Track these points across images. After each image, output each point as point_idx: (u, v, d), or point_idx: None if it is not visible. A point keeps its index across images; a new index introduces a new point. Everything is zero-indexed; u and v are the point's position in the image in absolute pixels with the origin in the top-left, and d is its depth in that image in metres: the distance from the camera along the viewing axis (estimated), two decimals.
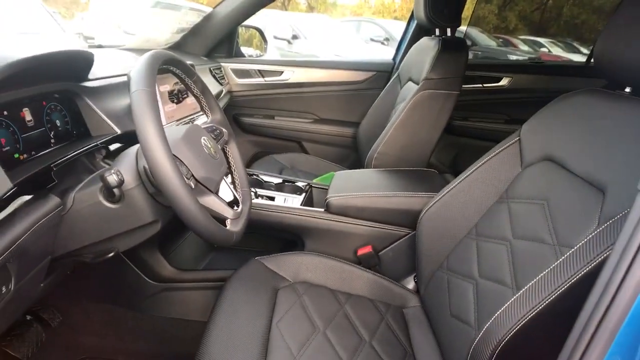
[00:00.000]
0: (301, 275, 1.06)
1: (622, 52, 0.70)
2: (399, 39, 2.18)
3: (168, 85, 1.22)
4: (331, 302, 1.00)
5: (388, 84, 1.82)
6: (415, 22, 1.98)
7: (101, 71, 1.01)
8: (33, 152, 0.76)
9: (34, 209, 0.66)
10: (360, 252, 1.20)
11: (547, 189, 0.78)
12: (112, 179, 0.69)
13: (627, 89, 0.75)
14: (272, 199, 1.35)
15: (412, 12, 1.99)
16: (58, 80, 0.85)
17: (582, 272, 0.60)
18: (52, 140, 0.81)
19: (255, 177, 1.44)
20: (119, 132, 0.90)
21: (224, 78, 2.00)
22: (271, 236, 1.44)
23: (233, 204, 0.89)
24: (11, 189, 0.60)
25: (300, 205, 1.31)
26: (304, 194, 1.38)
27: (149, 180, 0.76)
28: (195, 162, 0.76)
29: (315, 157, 2.03)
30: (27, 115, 0.76)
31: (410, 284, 1.18)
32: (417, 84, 1.45)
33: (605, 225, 0.61)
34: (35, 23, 3.35)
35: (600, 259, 0.59)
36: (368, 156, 1.54)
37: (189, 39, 1.83)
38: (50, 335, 1.16)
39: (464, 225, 0.94)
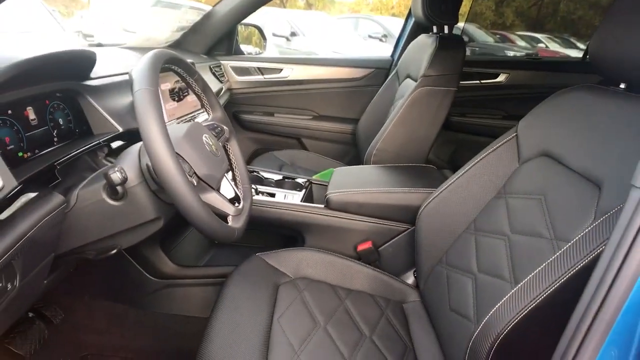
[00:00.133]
0: (302, 271, 1.07)
1: (616, 49, 0.70)
2: (396, 35, 2.19)
3: (169, 83, 1.23)
4: (332, 297, 1.00)
5: (386, 81, 1.83)
6: (413, 19, 1.98)
7: (103, 70, 1.01)
8: (37, 151, 0.77)
9: (39, 207, 0.66)
10: (360, 247, 1.21)
11: (544, 184, 0.79)
12: (115, 176, 0.69)
13: (622, 85, 0.76)
14: (272, 195, 1.35)
15: (410, 9, 1.99)
16: (61, 80, 0.85)
17: (579, 266, 0.61)
18: (55, 139, 0.82)
19: (255, 173, 1.45)
20: (120, 130, 0.91)
21: (223, 76, 2.00)
22: (272, 232, 1.45)
23: (234, 200, 0.89)
24: (16, 187, 0.61)
25: (301, 201, 1.32)
26: (304, 190, 1.38)
27: (152, 178, 0.76)
28: (197, 160, 0.77)
29: (315, 154, 2.03)
30: (31, 114, 0.76)
31: (410, 279, 1.19)
32: (415, 80, 1.46)
33: (601, 219, 0.62)
34: (34, 21, 3.34)
35: (596, 253, 0.60)
36: (367, 152, 1.55)
37: (189, 37, 1.83)
38: (53, 332, 1.17)
39: (463, 220, 0.95)
